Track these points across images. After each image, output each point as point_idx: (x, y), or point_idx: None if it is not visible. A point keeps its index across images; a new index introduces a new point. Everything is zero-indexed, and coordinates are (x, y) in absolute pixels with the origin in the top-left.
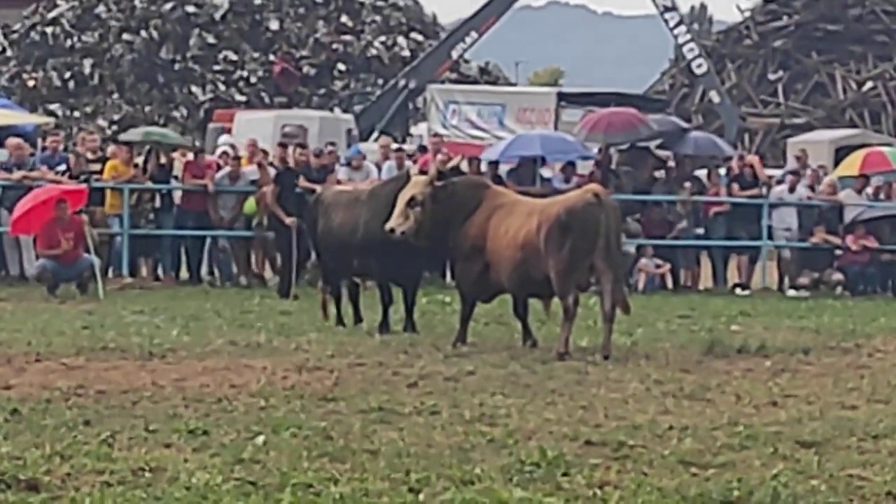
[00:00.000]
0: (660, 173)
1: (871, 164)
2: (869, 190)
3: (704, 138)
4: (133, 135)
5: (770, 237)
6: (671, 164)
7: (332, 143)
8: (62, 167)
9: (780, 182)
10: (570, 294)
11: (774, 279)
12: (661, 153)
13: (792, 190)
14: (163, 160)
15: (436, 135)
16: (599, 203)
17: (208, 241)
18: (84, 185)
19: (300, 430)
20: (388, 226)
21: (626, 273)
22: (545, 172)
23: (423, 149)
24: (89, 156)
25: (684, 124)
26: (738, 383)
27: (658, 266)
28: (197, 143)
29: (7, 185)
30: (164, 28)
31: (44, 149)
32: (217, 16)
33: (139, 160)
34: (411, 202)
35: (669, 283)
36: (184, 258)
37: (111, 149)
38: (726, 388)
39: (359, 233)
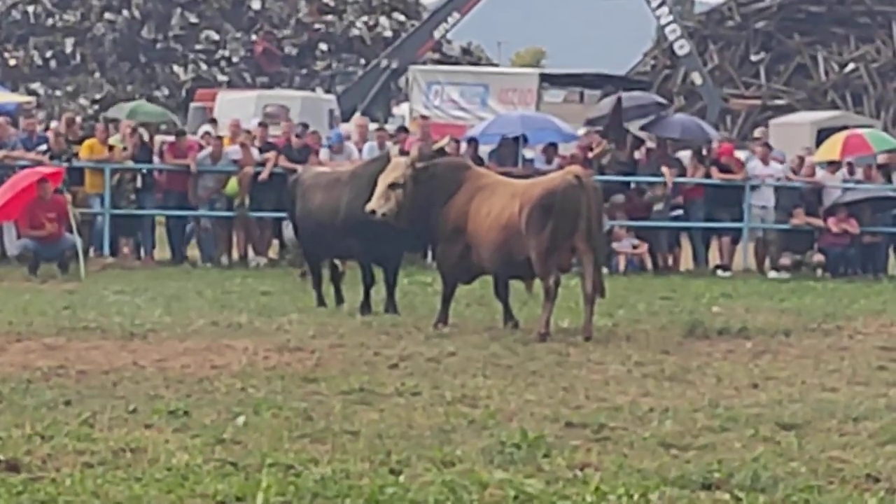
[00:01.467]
0: (639, 153)
1: (851, 149)
2: (844, 171)
3: (691, 122)
4: (118, 111)
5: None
6: (651, 144)
7: (306, 126)
8: (42, 147)
9: (749, 159)
10: (550, 275)
11: (754, 261)
12: (641, 134)
13: (765, 163)
14: (145, 138)
15: (423, 117)
16: (581, 184)
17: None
18: (61, 166)
19: (281, 411)
20: (369, 207)
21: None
22: (528, 153)
23: (403, 129)
24: (69, 136)
25: (662, 100)
26: (719, 365)
27: (634, 247)
28: (178, 123)
29: None
30: (146, 7)
31: (21, 129)
32: None
33: (116, 139)
34: (392, 184)
35: (649, 265)
36: (165, 238)
37: (98, 127)
38: (707, 370)
39: (340, 214)
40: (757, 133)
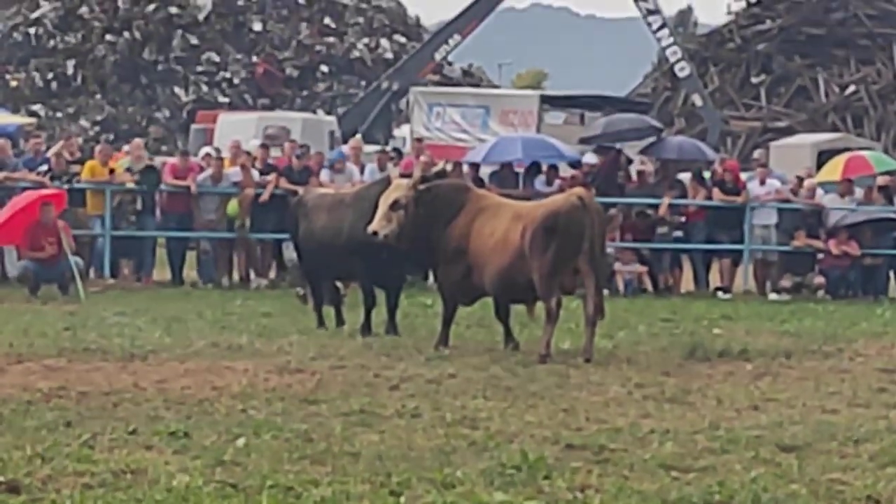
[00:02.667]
0: (632, 173)
1: (852, 169)
2: (860, 193)
3: (688, 143)
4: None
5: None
6: (651, 168)
7: (309, 148)
8: (44, 167)
9: (750, 179)
10: (552, 297)
11: (754, 283)
12: (632, 155)
13: (762, 183)
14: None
15: (418, 139)
16: (584, 206)
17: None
18: (62, 189)
19: (281, 433)
20: (371, 229)
21: (607, 277)
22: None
23: (398, 152)
24: (68, 157)
25: (657, 124)
26: (720, 387)
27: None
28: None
29: None
30: (147, 29)
31: (24, 152)
32: (200, 17)
33: (124, 162)
34: (394, 205)
35: (649, 286)
36: (166, 260)
37: (97, 149)
38: (707, 392)
39: (343, 235)
40: (756, 154)
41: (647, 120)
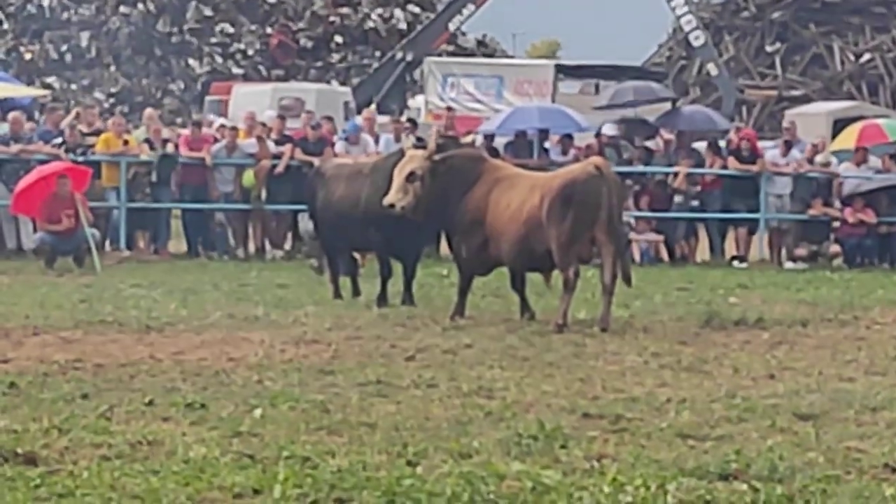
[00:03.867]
0: (654, 144)
1: (867, 138)
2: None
3: (700, 113)
4: None
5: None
6: (668, 136)
7: (329, 118)
8: (58, 140)
9: (771, 148)
10: (570, 266)
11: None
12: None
13: (784, 154)
14: (165, 134)
15: (449, 108)
16: (601, 175)
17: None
18: (86, 167)
19: (298, 403)
20: (387, 201)
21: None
22: (547, 145)
23: (413, 123)
24: (84, 129)
25: (664, 93)
26: (736, 356)
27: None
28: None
29: (4, 158)
30: (161, 1)
31: (42, 123)
32: None
33: (140, 133)
34: (410, 177)
35: (665, 256)
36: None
37: (110, 121)
38: (724, 361)
39: (360, 206)
40: (786, 123)
41: (652, 87)
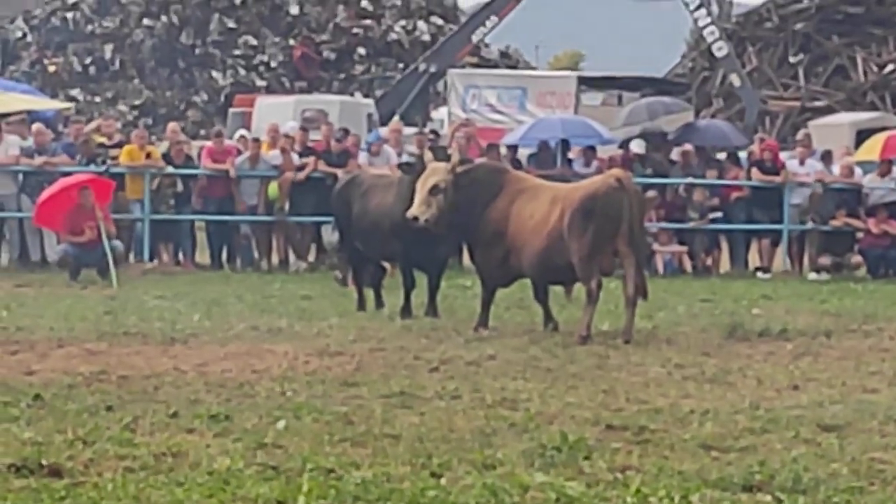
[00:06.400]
0: (676, 156)
1: (891, 149)
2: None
3: (714, 127)
4: None
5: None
6: (686, 148)
7: (347, 131)
8: (78, 155)
9: (789, 159)
10: (593, 278)
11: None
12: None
13: (802, 163)
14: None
15: (467, 121)
16: (622, 187)
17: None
18: (111, 179)
19: (321, 415)
20: (411, 213)
21: (647, 257)
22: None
23: (436, 134)
24: (106, 141)
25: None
26: (760, 367)
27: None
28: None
29: (28, 171)
30: (185, 13)
31: (62, 134)
32: (237, 0)
33: (164, 147)
34: (433, 189)
35: (688, 267)
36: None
37: (133, 134)
38: (748, 372)
39: (393, 217)
40: (800, 135)
41: (665, 102)
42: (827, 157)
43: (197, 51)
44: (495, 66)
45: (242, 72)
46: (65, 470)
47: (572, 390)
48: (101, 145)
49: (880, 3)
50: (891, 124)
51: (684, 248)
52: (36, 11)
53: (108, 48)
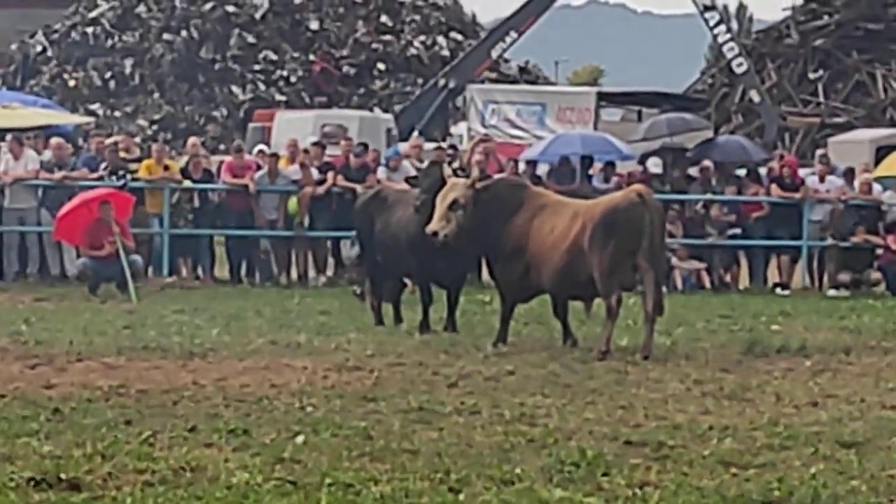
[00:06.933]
0: (694, 171)
1: None
2: None
3: (733, 142)
4: None
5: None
6: (706, 164)
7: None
8: (103, 165)
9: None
10: (613, 294)
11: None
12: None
13: (822, 180)
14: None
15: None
16: (643, 203)
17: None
18: (130, 193)
19: (340, 430)
20: (430, 229)
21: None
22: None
23: (455, 149)
24: (126, 155)
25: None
26: (779, 383)
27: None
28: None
29: (48, 185)
30: (204, 28)
31: (85, 149)
32: (257, 15)
33: (179, 161)
34: (453, 205)
35: (707, 283)
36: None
37: (152, 148)
38: (766, 388)
39: (410, 232)
40: (820, 152)
41: (685, 118)
42: (849, 175)
43: (217, 66)
44: (514, 82)
45: (262, 87)
46: (84, 484)
47: (591, 406)
48: (122, 159)
49: None
50: None
51: (703, 265)
52: (56, 26)
53: (128, 63)
